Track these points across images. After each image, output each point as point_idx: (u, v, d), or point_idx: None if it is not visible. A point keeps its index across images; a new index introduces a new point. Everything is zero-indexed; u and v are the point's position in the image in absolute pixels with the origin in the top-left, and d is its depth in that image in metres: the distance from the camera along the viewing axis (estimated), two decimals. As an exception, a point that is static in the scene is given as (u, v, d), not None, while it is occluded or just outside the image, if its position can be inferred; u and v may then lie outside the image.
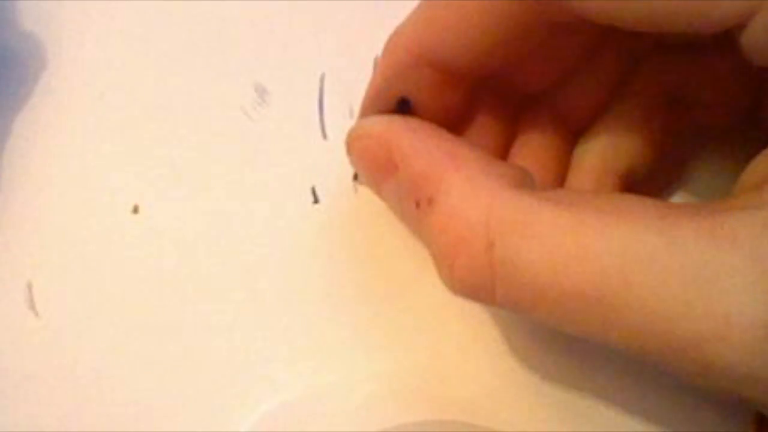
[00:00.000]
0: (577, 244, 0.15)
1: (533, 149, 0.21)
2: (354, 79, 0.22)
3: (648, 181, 0.21)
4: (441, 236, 0.17)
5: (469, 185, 0.17)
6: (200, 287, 0.23)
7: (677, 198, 0.23)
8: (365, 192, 0.21)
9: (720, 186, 0.22)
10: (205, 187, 0.24)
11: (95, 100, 0.25)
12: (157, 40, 0.26)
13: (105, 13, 0.26)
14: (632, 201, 0.16)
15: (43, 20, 0.26)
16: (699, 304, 0.14)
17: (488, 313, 0.22)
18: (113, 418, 0.22)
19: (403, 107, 0.19)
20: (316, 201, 0.23)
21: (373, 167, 0.19)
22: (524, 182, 0.17)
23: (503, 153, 0.21)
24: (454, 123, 0.20)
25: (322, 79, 0.25)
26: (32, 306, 0.23)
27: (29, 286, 0.23)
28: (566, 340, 0.21)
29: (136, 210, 0.24)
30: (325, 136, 0.24)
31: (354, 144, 0.20)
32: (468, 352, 0.22)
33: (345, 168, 0.21)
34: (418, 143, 0.18)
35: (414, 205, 0.18)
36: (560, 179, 0.21)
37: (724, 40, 0.16)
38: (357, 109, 0.21)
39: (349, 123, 0.20)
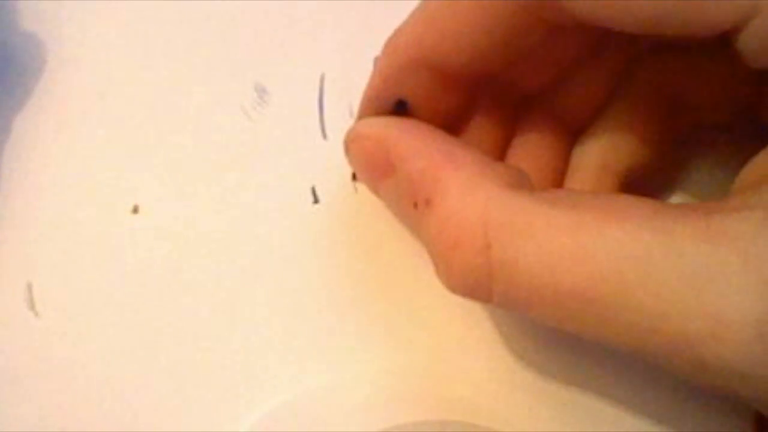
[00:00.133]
0: (574, 244, 0.15)
1: (531, 150, 0.21)
2: (354, 79, 0.22)
3: (646, 182, 0.21)
4: (438, 237, 0.17)
5: (466, 186, 0.17)
6: (200, 287, 0.23)
7: (675, 198, 0.23)
8: (365, 192, 0.21)
9: (718, 186, 0.22)
10: (205, 187, 0.24)
11: (95, 100, 0.25)
12: (157, 40, 0.26)
13: (105, 13, 0.26)
14: (629, 201, 0.16)
15: (43, 20, 0.26)
16: (694, 303, 0.14)
17: (488, 313, 0.22)
18: (113, 418, 0.22)
19: (400, 108, 0.19)
20: (316, 201, 0.23)
21: (371, 168, 0.19)
22: (521, 183, 0.18)
23: (501, 153, 0.21)
24: (452, 124, 0.20)
25: (322, 79, 0.25)
26: (32, 306, 0.23)
27: (29, 286, 0.23)
28: (566, 340, 0.21)
29: (136, 210, 0.24)
30: (325, 136, 0.24)
31: (352, 145, 0.20)
32: (468, 352, 0.22)
33: (345, 168, 0.21)
34: (415, 144, 0.18)
35: (412, 205, 0.18)
36: (558, 180, 0.21)
37: (723, 40, 0.16)
38: (357, 109, 0.21)
39: (349, 123, 0.20)
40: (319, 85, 0.25)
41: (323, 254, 0.23)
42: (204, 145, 0.24)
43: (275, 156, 0.24)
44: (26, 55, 0.25)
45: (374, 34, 0.20)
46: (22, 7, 0.26)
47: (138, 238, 0.23)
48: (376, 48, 0.20)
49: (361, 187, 0.23)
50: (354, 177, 0.23)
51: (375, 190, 0.20)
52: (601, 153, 0.21)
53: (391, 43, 0.19)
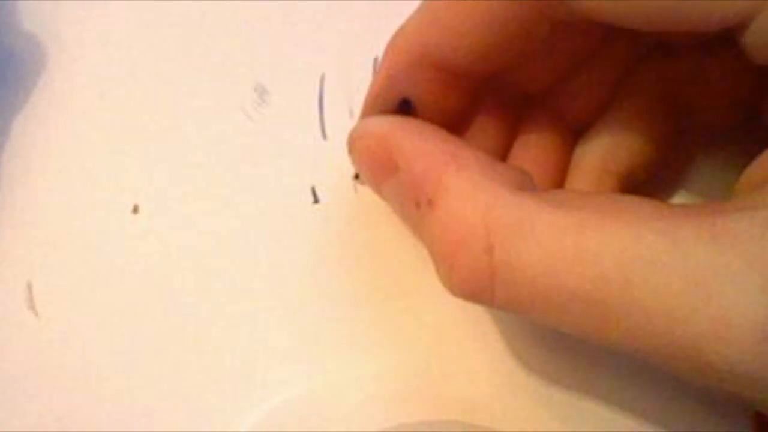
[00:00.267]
0: (577, 245, 0.15)
1: (534, 150, 0.21)
2: (354, 79, 0.22)
3: (648, 182, 0.21)
4: (440, 237, 0.17)
5: (469, 187, 0.17)
6: (200, 287, 0.23)
7: (677, 198, 0.23)
8: (365, 192, 0.21)
9: (720, 186, 0.22)
10: (205, 187, 0.24)
11: (95, 100, 0.25)
12: (157, 40, 0.26)
13: (105, 13, 0.26)
14: (632, 202, 0.16)
15: (43, 20, 0.26)
16: (698, 304, 0.14)
17: (488, 313, 0.22)
18: (113, 418, 0.22)
19: (404, 108, 0.19)
20: (316, 201, 0.23)
21: (374, 167, 0.19)
22: (524, 184, 0.17)
23: (504, 153, 0.21)
24: (455, 123, 0.20)
25: (322, 79, 0.25)
26: (32, 306, 0.23)
27: (29, 286, 0.23)
28: (567, 340, 0.21)
29: (136, 210, 0.24)
30: (325, 136, 0.24)
31: (355, 144, 0.20)
32: (468, 352, 0.22)
33: (345, 168, 0.21)
34: (418, 144, 0.18)
35: (414, 205, 0.18)
36: (560, 180, 0.21)
37: (725, 40, 0.16)
38: (357, 109, 0.21)
39: (349, 123, 0.20)
40: (319, 85, 0.25)
41: (323, 254, 0.23)
42: (204, 145, 0.24)
43: (275, 156, 0.24)
44: (26, 55, 0.25)
45: (374, 34, 0.20)
46: (22, 7, 0.26)
47: (138, 238, 0.23)
48: (376, 48, 0.20)
49: (362, 187, 0.23)
50: (356, 177, 0.23)
51: (377, 190, 0.20)
52: (603, 153, 0.21)
53: (394, 42, 0.19)
